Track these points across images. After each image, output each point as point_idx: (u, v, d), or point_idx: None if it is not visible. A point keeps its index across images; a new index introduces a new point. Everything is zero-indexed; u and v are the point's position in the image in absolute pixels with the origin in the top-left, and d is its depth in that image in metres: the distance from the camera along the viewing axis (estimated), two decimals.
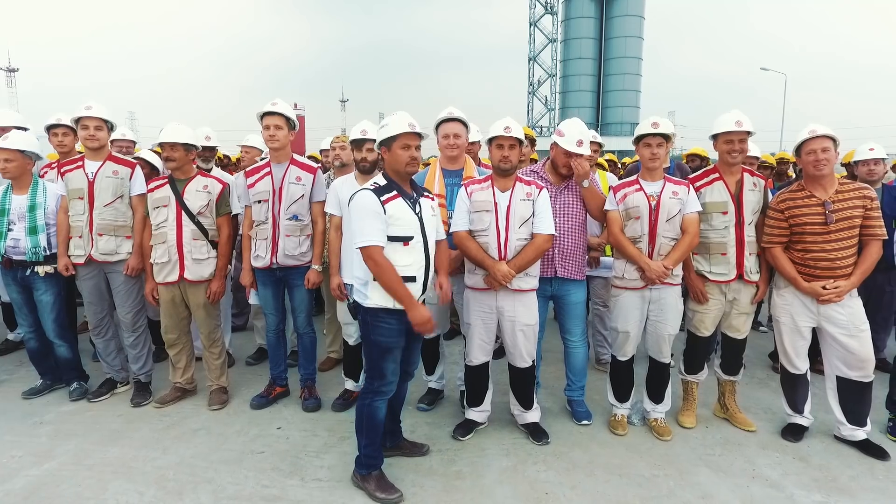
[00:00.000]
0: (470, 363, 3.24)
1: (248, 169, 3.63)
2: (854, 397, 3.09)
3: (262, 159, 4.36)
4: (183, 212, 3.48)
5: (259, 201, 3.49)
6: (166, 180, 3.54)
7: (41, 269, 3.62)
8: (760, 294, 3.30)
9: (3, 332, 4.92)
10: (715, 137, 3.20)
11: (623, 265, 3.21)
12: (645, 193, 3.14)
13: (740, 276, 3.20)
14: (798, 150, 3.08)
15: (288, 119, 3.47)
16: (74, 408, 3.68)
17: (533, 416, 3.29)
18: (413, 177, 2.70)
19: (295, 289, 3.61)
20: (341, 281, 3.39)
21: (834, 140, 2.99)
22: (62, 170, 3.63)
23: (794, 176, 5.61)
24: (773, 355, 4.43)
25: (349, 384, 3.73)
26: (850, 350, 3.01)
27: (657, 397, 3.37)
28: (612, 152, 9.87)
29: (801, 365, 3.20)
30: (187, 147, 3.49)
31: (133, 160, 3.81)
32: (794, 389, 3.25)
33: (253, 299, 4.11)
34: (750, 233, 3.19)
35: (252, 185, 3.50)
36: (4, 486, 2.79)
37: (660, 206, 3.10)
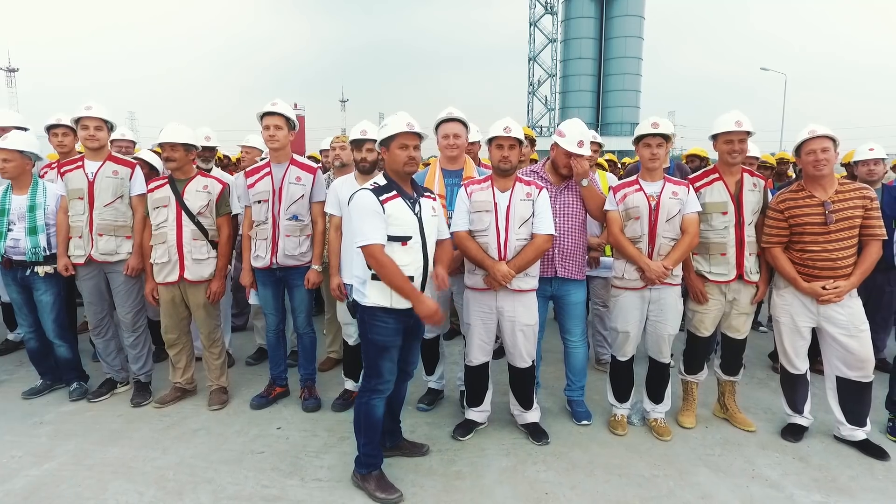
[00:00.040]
0: (470, 363, 3.25)
1: (248, 169, 3.63)
2: (854, 397, 3.09)
3: (262, 159, 4.36)
4: (183, 212, 3.48)
5: (259, 201, 3.49)
6: (166, 180, 3.54)
7: (41, 270, 3.62)
8: (760, 294, 3.30)
9: (3, 332, 4.93)
10: (715, 137, 3.20)
11: (623, 265, 3.21)
12: (645, 194, 3.14)
13: (740, 277, 3.20)
14: (798, 150, 3.08)
15: (288, 119, 3.47)
16: (74, 408, 3.68)
17: (533, 416, 3.29)
18: (413, 177, 2.70)
19: (295, 289, 3.61)
20: (341, 281, 3.40)
21: (834, 140, 2.99)
22: (62, 170, 3.64)
23: (793, 176, 5.61)
24: (773, 355, 4.43)
25: (349, 384, 3.73)
26: (850, 350, 3.01)
27: (657, 397, 3.37)
28: (612, 152, 9.89)
29: (800, 365, 3.20)
30: (187, 147, 3.50)
31: (133, 160, 3.81)
32: (794, 389, 3.26)
33: (253, 299, 4.11)
34: (750, 233, 3.19)
35: (252, 186, 3.50)
36: (4, 486, 2.79)
37: (659, 207, 3.10)
